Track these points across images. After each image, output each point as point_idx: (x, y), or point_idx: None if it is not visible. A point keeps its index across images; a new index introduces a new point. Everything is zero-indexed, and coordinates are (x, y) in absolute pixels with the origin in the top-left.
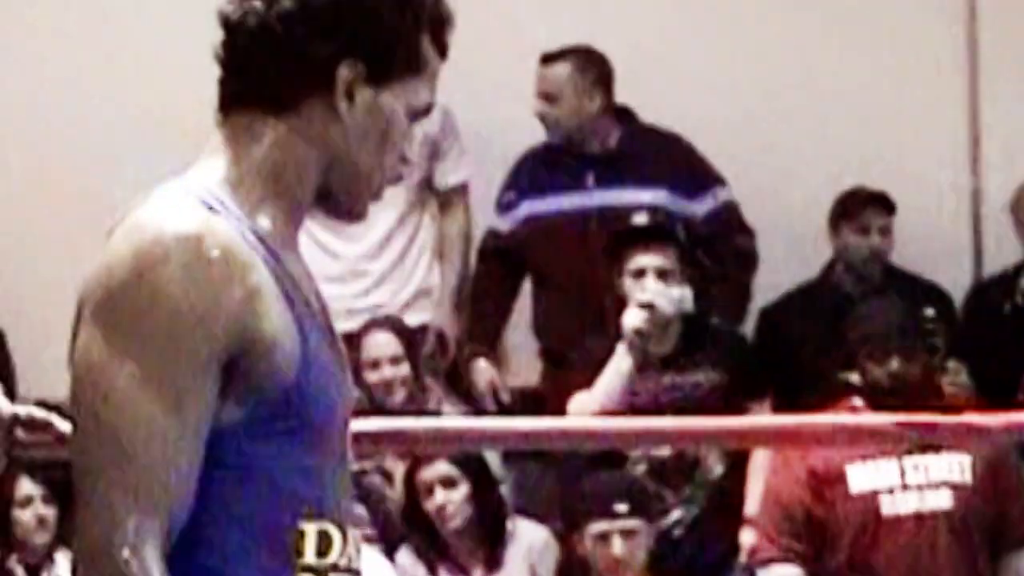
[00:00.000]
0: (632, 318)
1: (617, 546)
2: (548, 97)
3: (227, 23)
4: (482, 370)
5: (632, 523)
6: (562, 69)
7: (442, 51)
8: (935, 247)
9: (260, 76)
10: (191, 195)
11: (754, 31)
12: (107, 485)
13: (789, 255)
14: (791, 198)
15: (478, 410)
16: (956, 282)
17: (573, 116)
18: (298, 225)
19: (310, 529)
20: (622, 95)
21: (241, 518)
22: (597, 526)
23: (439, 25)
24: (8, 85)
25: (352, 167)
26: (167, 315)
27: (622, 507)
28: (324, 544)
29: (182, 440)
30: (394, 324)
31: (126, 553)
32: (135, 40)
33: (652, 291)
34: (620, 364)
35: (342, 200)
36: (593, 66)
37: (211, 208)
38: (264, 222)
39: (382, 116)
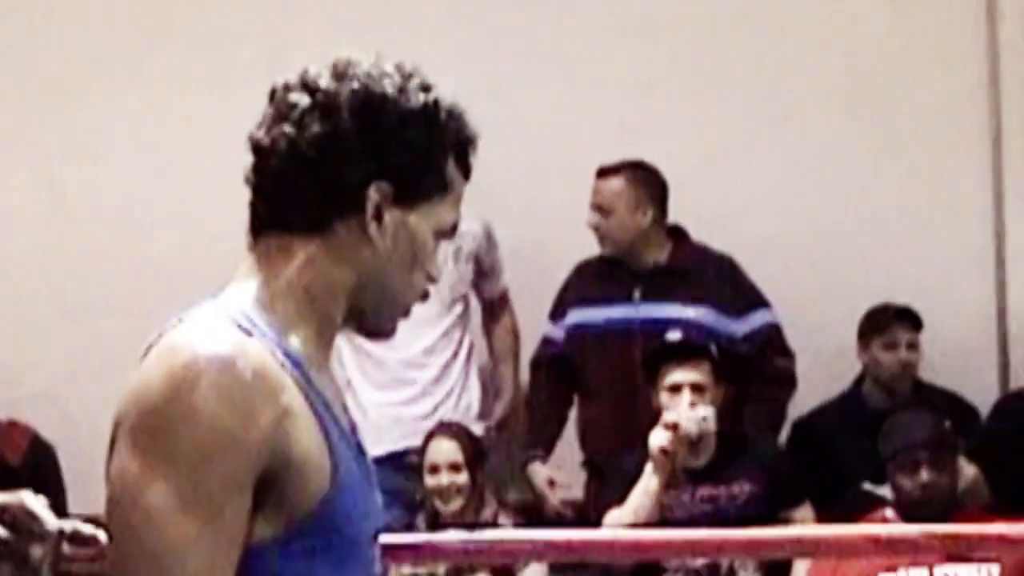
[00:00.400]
0: (657, 438)
1: None
2: (601, 209)
3: (257, 147)
4: (538, 471)
5: None
6: (616, 183)
7: (466, 173)
8: (962, 361)
9: (291, 199)
10: (224, 316)
11: (797, 152)
12: None
13: (820, 368)
14: (824, 314)
15: (528, 522)
16: (983, 395)
17: (625, 229)
18: (329, 345)
19: None
20: (672, 212)
21: None
22: None
23: (464, 148)
24: (66, 204)
25: (382, 287)
26: (200, 436)
27: None
28: None
29: (218, 559)
30: (459, 432)
31: None
32: (182, 167)
33: (676, 412)
34: (648, 483)
35: (372, 319)
36: (647, 181)
37: (244, 329)
38: (296, 343)
39: (410, 237)
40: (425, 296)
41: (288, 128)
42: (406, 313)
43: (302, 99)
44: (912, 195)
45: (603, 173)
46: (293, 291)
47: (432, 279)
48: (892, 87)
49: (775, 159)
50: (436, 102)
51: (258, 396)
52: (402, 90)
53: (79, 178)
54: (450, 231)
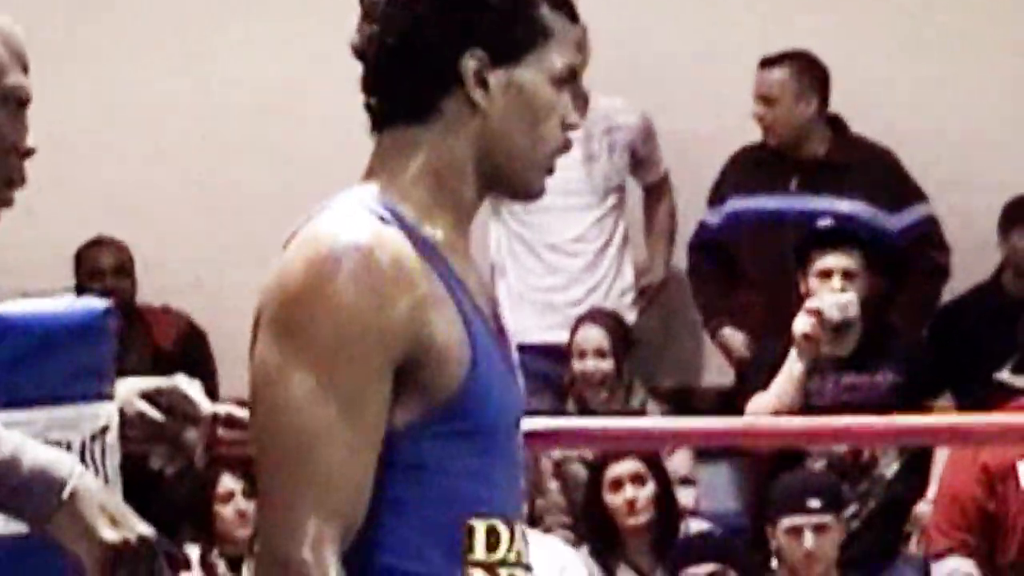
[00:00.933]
0: (801, 324)
1: (809, 540)
2: (766, 100)
3: (356, 51)
4: (731, 335)
5: (824, 519)
6: (781, 73)
7: (571, 16)
8: None
9: (394, 90)
10: (362, 207)
11: (945, 48)
12: (287, 490)
13: (962, 259)
14: (968, 206)
15: (675, 410)
16: None
17: (790, 120)
18: (466, 227)
19: (479, 526)
20: (833, 104)
21: (413, 517)
22: (790, 520)
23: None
24: (215, 94)
25: (509, 149)
26: (339, 325)
27: (815, 503)
28: (493, 540)
29: (357, 445)
30: (606, 319)
31: (306, 553)
32: (327, 57)
33: (820, 298)
34: (792, 367)
35: (513, 181)
36: (811, 72)
37: (382, 219)
38: (433, 229)
39: (522, 92)
40: (568, 146)
41: (375, 25)
42: (550, 169)
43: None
44: None
45: (767, 63)
46: (423, 179)
47: (569, 126)
48: None
49: (925, 54)
50: None
51: (396, 285)
52: None
53: (227, 68)
54: (568, 75)
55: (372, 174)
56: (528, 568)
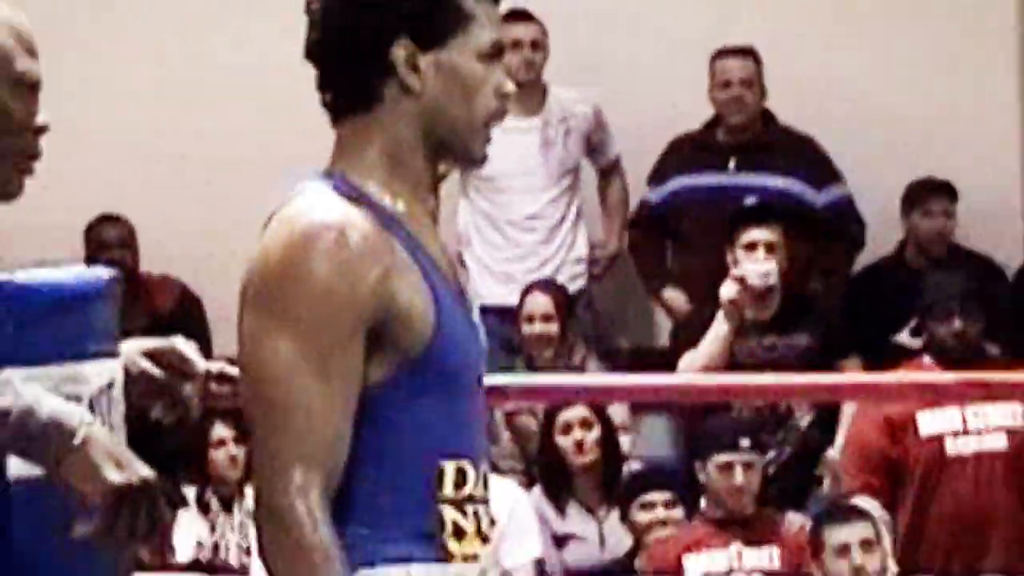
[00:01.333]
0: (727, 290)
1: (739, 475)
2: (730, 85)
3: (307, 56)
4: (674, 296)
5: (752, 457)
6: (748, 63)
7: (469, 17)
8: (993, 228)
9: (341, 86)
10: (332, 189)
11: (861, 49)
12: (273, 445)
13: (872, 234)
14: (875, 187)
15: (613, 367)
16: (1010, 258)
17: (753, 104)
18: (425, 195)
19: (449, 467)
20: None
21: (389, 463)
22: (722, 457)
23: None
24: (217, 71)
25: (448, 123)
26: (314, 298)
27: (745, 443)
28: (460, 479)
29: (334, 401)
30: (552, 287)
31: (293, 500)
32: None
33: (743, 267)
34: (719, 329)
35: (457, 150)
36: (757, 64)
37: (350, 198)
38: (395, 203)
39: (452, 72)
40: (503, 112)
41: (314, 32)
42: (487, 135)
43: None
44: (949, 89)
45: (731, 54)
46: (379, 159)
47: (503, 95)
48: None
49: (846, 52)
50: None
51: (363, 259)
52: None
53: (223, 55)
54: (495, 49)
55: (337, 159)
56: (487, 502)
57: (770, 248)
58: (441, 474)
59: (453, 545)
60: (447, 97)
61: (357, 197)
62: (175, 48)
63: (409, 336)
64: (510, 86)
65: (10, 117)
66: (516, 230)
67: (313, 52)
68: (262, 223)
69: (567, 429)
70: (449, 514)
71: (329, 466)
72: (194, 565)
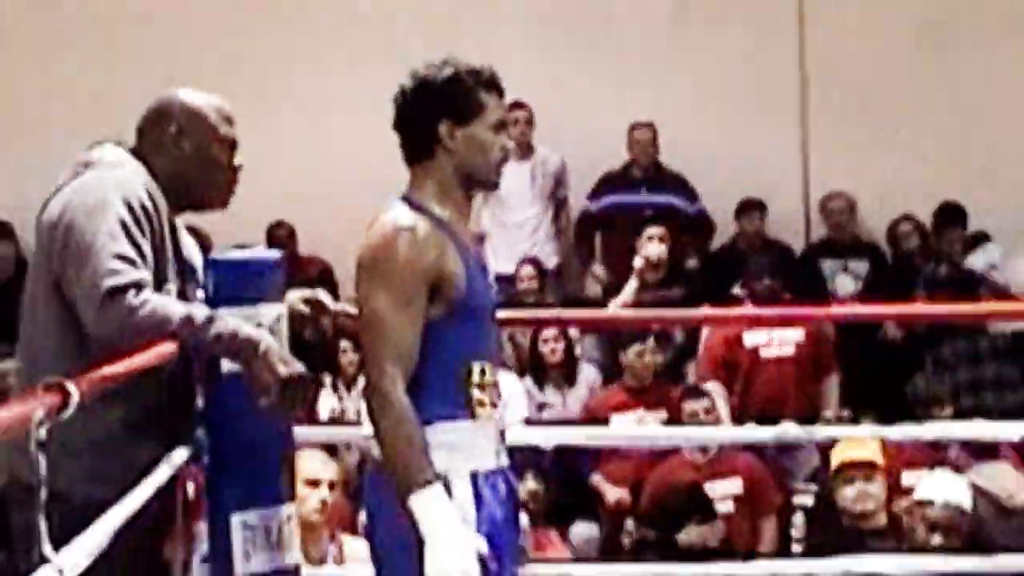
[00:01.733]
0: (636, 263)
1: (647, 358)
2: (637, 143)
3: (393, 127)
4: (597, 270)
5: (654, 346)
6: (642, 132)
7: (499, 93)
8: (785, 227)
9: (410, 145)
10: (408, 205)
11: (716, 118)
12: (376, 351)
13: (718, 233)
14: (714, 204)
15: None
16: (796, 244)
17: (645, 156)
18: (464, 211)
19: (476, 365)
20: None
21: (442, 362)
22: (635, 347)
23: (488, 81)
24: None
25: (472, 168)
26: (398, 268)
27: (650, 342)
28: (482, 372)
29: (411, 328)
30: (534, 262)
31: (387, 383)
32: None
33: (647, 249)
34: (631, 285)
35: (480, 183)
36: (655, 132)
37: (418, 211)
38: (443, 213)
39: (474, 139)
40: (506, 160)
41: (396, 110)
42: (499, 173)
43: (398, 97)
44: (759, 139)
45: (640, 126)
46: (434, 189)
47: (505, 149)
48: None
49: (702, 123)
50: (456, 69)
51: (426, 245)
52: (439, 69)
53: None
54: (500, 124)
55: (410, 187)
56: (498, 386)
57: (661, 239)
58: (470, 369)
59: (479, 410)
60: (472, 154)
61: (420, 209)
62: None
63: (451, 291)
64: (510, 145)
65: (221, 164)
66: (515, 228)
67: (395, 124)
68: (367, 224)
69: (545, 342)
70: (475, 392)
71: (407, 364)
72: (330, 422)
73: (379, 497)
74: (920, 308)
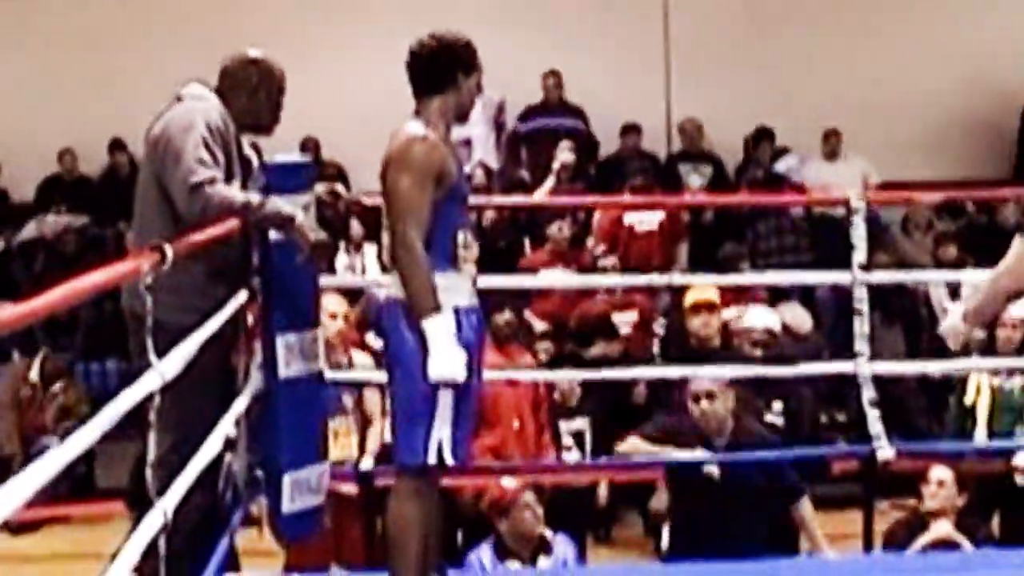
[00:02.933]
0: (555, 165)
1: (564, 231)
2: (550, 85)
3: (411, 54)
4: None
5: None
6: (553, 79)
7: (479, 65)
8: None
9: (429, 82)
10: (421, 123)
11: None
12: (402, 215)
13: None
14: (596, 125)
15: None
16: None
17: (558, 94)
18: (450, 129)
19: (461, 233)
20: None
21: (441, 230)
22: (556, 224)
23: (473, 54)
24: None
25: (465, 105)
26: (416, 163)
27: (564, 226)
28: (464, 238)
29: (425, 204)
30: (483, 165)
31: (412, 239)
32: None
33: (563, 156)
34: (550, 181)
35: (463, 115)
36: (560, 78)
37: (427, 125)
38: (441, 130)
39: (471, 87)
40: (475, 103)
41: (416, 49)
42: (472, 106)
43: (421, 49)
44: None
45: (551, 74)
46: (437, 115)
47: (480, 90)
48: None
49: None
50: (467, 38)
51: (435, 149)
52: (456, 36)
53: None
54: (480, 84)
55: (417, 112)
56: (474, 247)
57: (571, 150)
58: (456, 236)
59: (462, 264)
60: (467, 96)
61: (428, 124)
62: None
63: (448, 181)
64: (482, 89)
65: (280, 109)
66: (473, 141)
67: (412, 66)
68: (392, 134)
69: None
70: (460, 251)
71: (422, 228)
72: (344, 271)
73: (394, 320)
74: (743, 198)
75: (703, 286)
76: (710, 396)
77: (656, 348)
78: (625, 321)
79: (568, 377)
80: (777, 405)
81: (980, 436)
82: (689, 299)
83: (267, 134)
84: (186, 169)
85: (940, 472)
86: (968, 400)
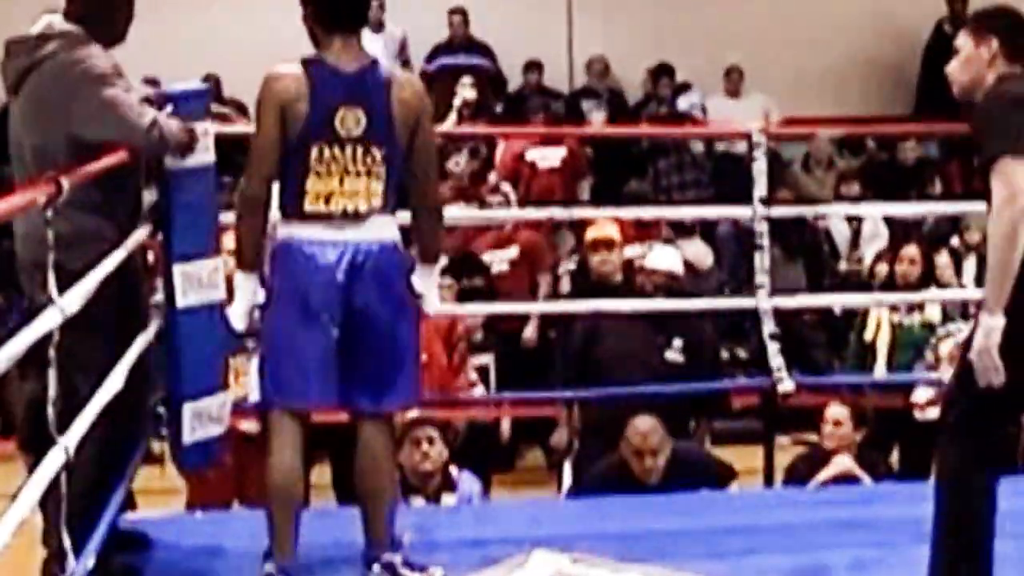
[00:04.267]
0: (456, 102)
1: (463, 166)
2: (455, 25)
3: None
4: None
5: (468, 158)
6: (458, 17)
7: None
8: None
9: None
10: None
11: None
12: (251, 165)
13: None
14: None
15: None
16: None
17: (464, 32)
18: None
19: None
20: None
21: (287, 168)
22: (455, 158)
23: None
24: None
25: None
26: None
27: (465, 151)
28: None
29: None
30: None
31: (255, 188)
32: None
33: (464, 93)
34: (452, 118)
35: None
36: (465, 16)
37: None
38: (331, 59)
39: None
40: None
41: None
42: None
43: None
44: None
45: (456, 12)
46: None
47: (382, 27)
48: None
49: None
50: None
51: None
52: None
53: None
54: (382, 20)
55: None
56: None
57: (474, 87)
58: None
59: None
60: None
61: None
62: None
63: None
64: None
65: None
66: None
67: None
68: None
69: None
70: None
71: (270, 173)
72: None
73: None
74: (644, 130)
75: (603, 222)
76: (654, 453)
77: (544, 285)
78: (502, 258)
79: (450, 311)
80: (677, 342)
81: (880, 372)
82: (589, 235)
83: (121, 42)
84: (135, 116)
85: (836, 411)
86: (868, 336)
